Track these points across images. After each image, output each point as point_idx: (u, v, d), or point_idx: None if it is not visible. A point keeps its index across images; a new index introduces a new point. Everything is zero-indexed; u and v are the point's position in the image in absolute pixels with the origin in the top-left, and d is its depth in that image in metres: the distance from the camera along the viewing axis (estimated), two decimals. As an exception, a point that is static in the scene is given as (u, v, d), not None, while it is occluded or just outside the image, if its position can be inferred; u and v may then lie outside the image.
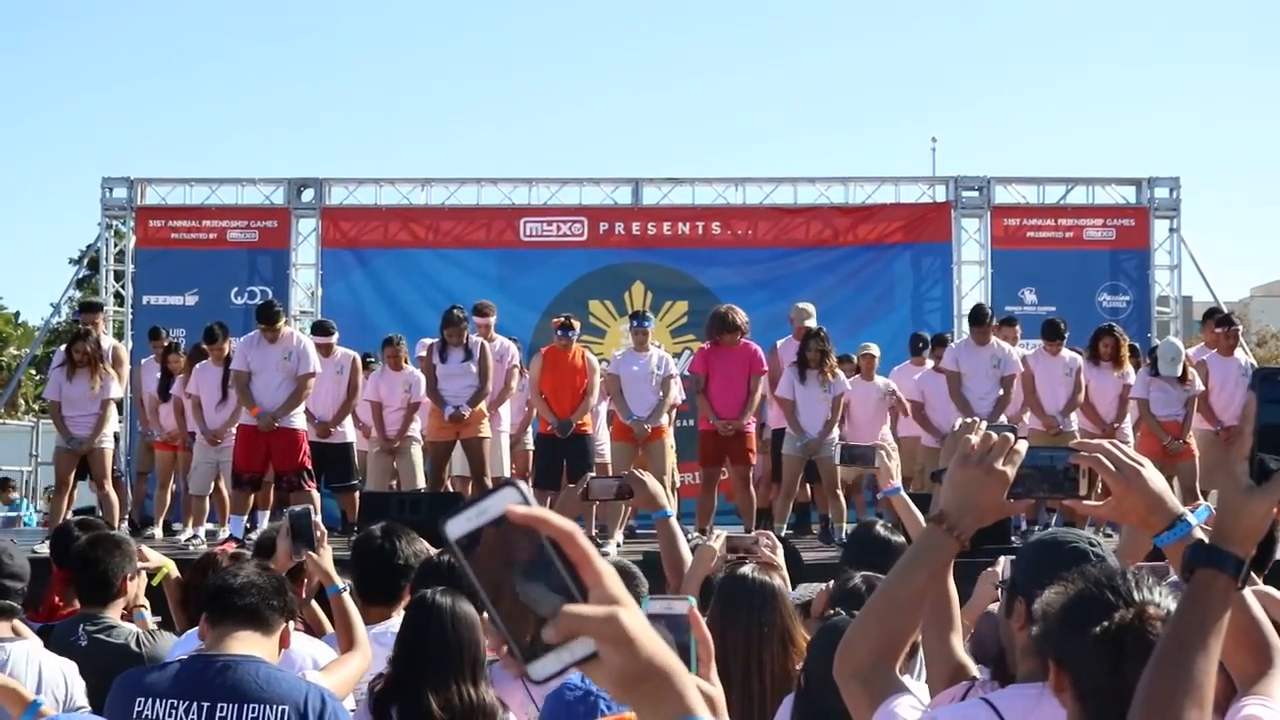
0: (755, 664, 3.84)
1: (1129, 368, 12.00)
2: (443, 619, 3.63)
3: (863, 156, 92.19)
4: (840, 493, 11.40)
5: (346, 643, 4.29)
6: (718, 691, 1.66)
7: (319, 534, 4.57)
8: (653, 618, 1.65)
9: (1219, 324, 12.30)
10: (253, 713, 3.33)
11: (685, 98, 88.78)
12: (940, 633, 2.98)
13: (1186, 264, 16.01)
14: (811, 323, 11.91)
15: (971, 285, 16.04)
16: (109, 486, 11.29)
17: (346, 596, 4.38)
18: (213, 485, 11.61)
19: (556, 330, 11.58)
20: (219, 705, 3.34)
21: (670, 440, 11.57)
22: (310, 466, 10.89)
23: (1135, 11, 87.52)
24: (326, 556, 4.55)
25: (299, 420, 10.91)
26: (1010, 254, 15.82)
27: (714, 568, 4.55)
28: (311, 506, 5.09)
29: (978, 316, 12.10)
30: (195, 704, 3.33)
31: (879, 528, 4.76)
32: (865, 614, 2.50)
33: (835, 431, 11.34)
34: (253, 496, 10.92)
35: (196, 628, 4.42)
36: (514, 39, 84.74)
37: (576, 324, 11.74)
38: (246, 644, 3.47)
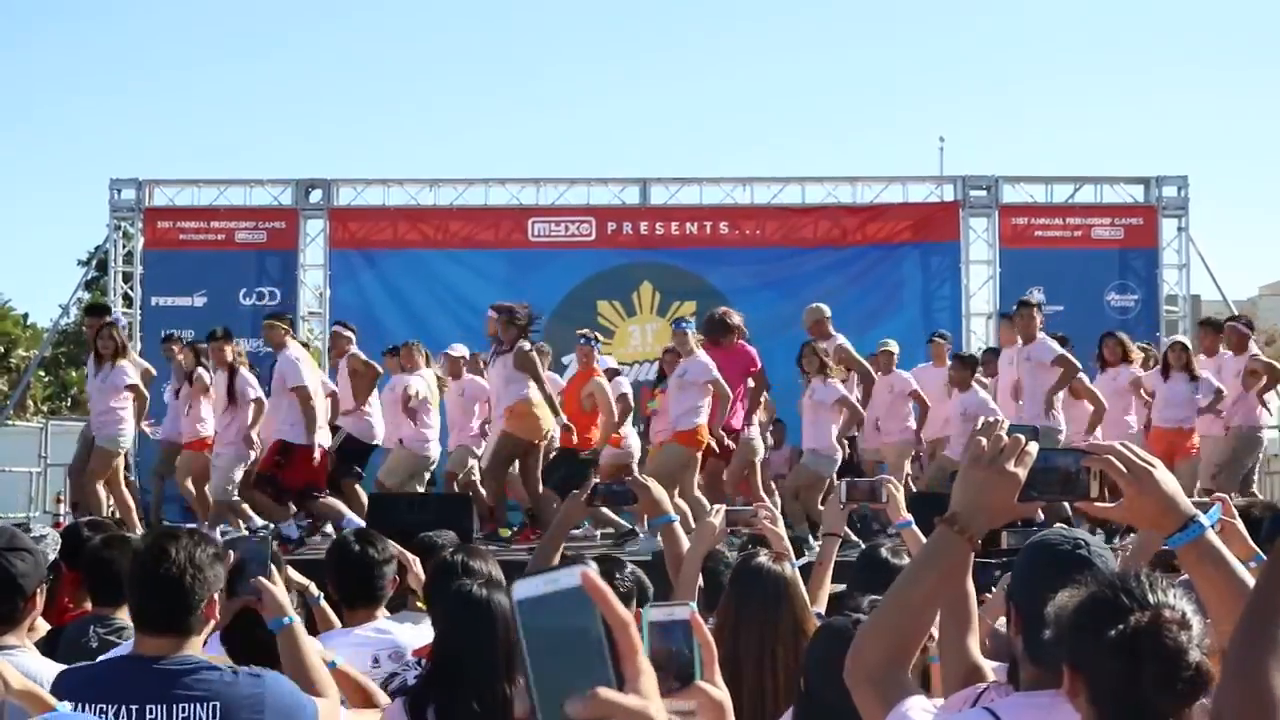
0: (769, 658, 3.85)
1: (1136, 367, 11.97)
2: (483, 615, 3.62)
3: (870, 156, 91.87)
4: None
5: (306, 689, 3.53)
6: (724, 695, 1.66)
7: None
8: (654, 624, 1.65)
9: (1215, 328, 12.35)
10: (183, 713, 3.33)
11: (692, 98, 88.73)
12: (957, 634, 2.97)
13: (1195, 263, 16.05)
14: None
15: (980, 284, 16.06)
16: (121, 488, 11.22)
17: (299, 628, 3.71)
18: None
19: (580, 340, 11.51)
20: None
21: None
22: (318, 481, 10.83)
23: (1143, 10, 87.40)
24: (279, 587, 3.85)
25: (311, 436, 10.73)
26: (1018, 253, 15.82)
27: (715, 541, 4.62)
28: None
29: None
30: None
31: (883, 551, 4.75)
32: (877, 616, 2.50)
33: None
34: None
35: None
36: (521, 39, 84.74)
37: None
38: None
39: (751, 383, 11.20)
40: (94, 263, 19.89)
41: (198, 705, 3.22)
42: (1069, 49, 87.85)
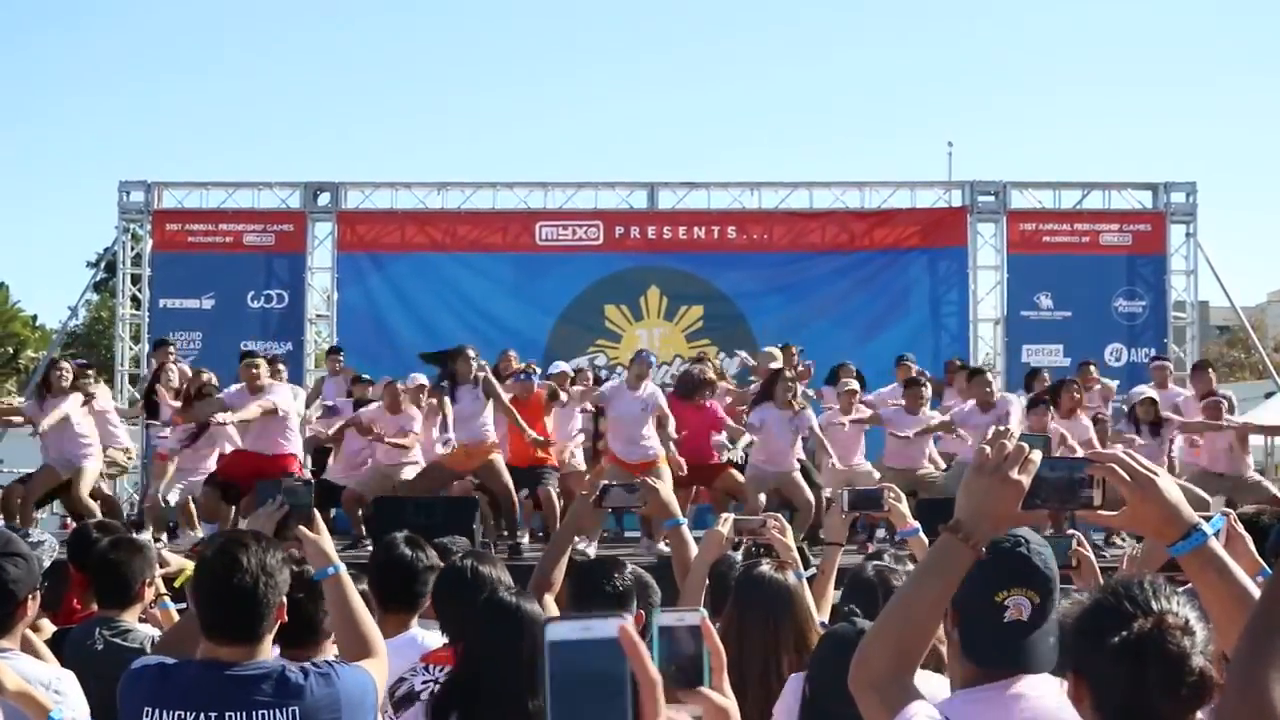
0: (773, 666, 3.85)
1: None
2: (513, 623, 3.58)
3: (879, 161, 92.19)
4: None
5: (355, 643, 3.56)
6: (731, 704, 1.67)
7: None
8: (664, 629, 1.64)
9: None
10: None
11: (701, 102, 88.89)
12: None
13: (1203, 269, 16.03)
14: (777, 364, 12.08)
15: (987, 290, 16.06)
16: (83, 504, 11.01)
17: (344, 577, 3.61)
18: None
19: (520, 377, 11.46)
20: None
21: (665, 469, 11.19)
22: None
23: (1151, 17, 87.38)
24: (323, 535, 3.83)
25: (288, 448, 10.74)
26: (1026, 259, 15.81)
27: (723, 549, 4.63)
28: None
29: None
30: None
31: (868, 570, 4.71)
32: (880, 624, 2.50)
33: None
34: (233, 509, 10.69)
35: None
36: (529, 43, 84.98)
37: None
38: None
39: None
40: (102, 264, 19.94)
41: (277, 711, 3.18)
42: (1077, 55, 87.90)
